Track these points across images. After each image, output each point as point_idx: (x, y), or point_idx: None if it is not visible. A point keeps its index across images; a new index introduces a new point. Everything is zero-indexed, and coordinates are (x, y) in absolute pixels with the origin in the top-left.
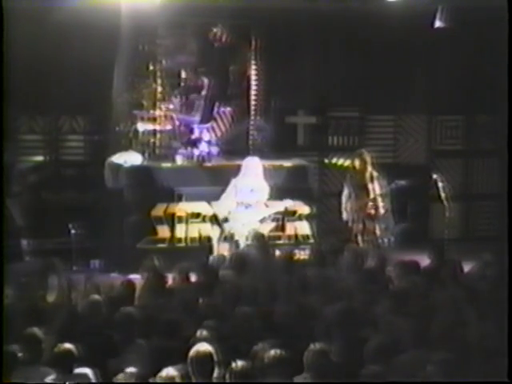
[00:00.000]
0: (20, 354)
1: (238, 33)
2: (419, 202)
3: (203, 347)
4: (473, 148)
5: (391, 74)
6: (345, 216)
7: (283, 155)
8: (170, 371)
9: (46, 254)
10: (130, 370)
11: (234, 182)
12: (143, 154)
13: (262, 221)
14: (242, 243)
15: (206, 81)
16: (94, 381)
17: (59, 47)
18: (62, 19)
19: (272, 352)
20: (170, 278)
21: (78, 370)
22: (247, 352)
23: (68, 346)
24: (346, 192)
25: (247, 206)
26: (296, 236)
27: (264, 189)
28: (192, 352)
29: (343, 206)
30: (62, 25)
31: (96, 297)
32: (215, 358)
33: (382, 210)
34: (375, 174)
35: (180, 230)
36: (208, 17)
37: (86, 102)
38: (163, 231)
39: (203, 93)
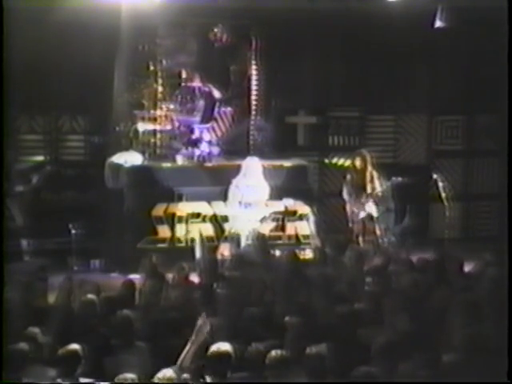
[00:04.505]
0: (20, 354)
1: (238, 33)
2: (419, 202)
3: (224, 347)
4: (473, 148)
5: (391, 74)
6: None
7: (283, 155)
8: (167, 373)
9: (46, 254)
10: (130, 375)
11: (234, 182)
12: (143, 153)
13: (262, 220)
14: (243, 242)
15: (206, 81)
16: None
17: (59, 47)
18: (61, 19)
19: (273, 353)
20: (170, 278)
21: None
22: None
23: (74, 346)
24: (345, 192)
25: (247, 206)
26: (296, 236)
27: (264, 188)
28: (211, 350)
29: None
30: (62, 25)
31: (93, 297)
32: (233, 359)
33: (381, 210)
34: (375, 173)
35: (180, 230)
36: (208, 17)
37: (86, 102)
38: (163, 231)
39: (203, 93)
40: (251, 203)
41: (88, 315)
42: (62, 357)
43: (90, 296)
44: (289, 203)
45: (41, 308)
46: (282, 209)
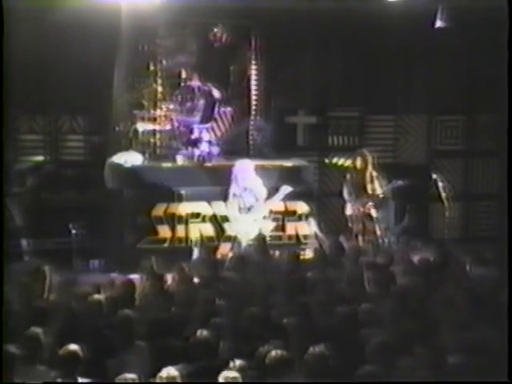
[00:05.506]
0: (20, 354)
1: (238, 33)
2: (419, 202)
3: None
4: (473, 148)
5: (391, 74)
6: (349, 212)
7: (283, 155)
8: (170, 371)
9: (46, 254)
10: (130, 375)
11: (231, 191)
12: (143, 153)
13: (265, 218)
14: (246, 244)
15: (206, 81)
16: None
17: (59, 47)
18: (61, 19)
19: (273, 353)
20: (169, 278)
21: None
22: (248, 352)
23: (73, 347)
24: (345, 191)
25: (248, 210)
26: (297, 236)
27: (260, 188)
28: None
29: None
30: (62, 25)
31: (97, 296)
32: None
33: (381, 210)
34: (375, 173)
35: (180, 230)
36: (208, 17)
37: (86, 102)
38: (163, 231)
39: (203, 93)
40: (251, 205)
41: (89, 315)
42: (62, 357)
43: (97, 296)
44: (287, 190)
45: (40, 308)
46: (281, 208)
